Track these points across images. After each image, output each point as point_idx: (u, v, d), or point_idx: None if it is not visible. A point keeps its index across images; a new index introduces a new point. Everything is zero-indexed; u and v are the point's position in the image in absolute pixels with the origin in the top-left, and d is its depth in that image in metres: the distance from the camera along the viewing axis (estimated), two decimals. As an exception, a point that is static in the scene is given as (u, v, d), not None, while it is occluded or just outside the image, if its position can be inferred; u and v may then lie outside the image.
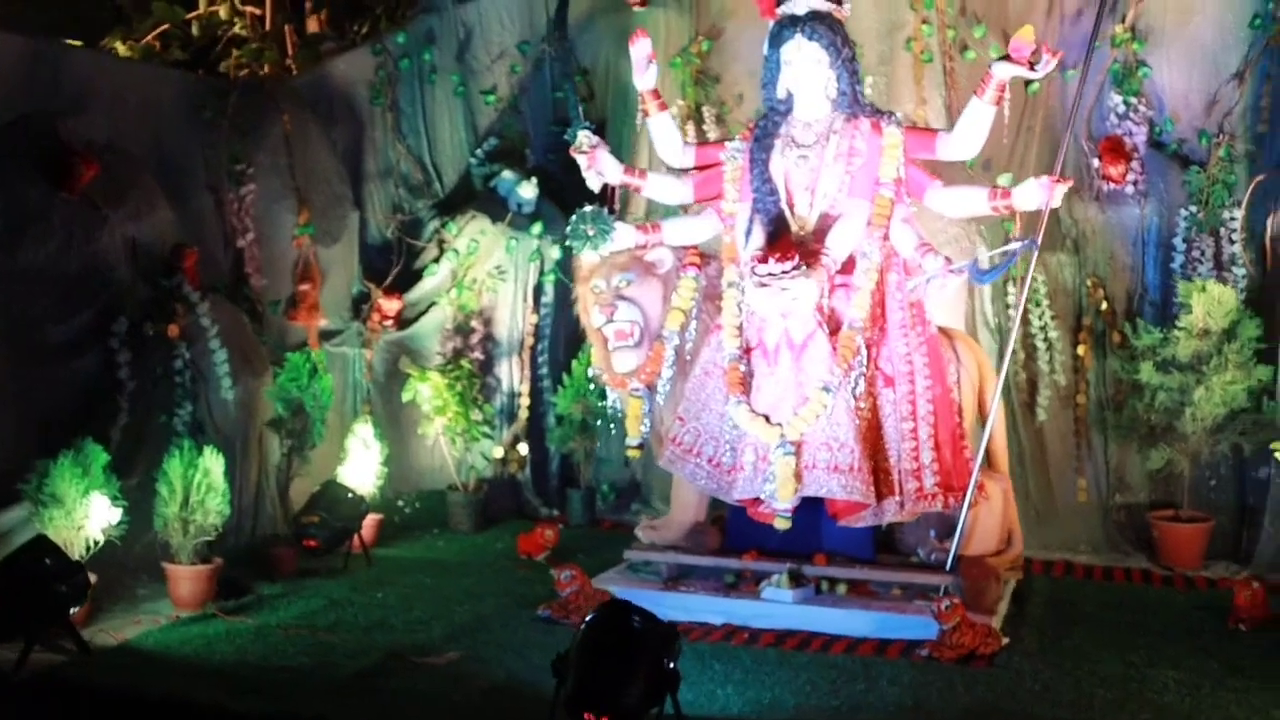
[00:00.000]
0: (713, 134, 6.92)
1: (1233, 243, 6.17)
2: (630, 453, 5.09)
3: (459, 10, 7.28)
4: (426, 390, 6.13)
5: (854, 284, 4.68)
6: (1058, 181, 4.48)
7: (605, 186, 5.01)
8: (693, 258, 5.07)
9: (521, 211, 6.72)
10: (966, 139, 4.66)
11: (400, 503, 6.31)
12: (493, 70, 7.34)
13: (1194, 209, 6.25)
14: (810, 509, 4.67)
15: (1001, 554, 4.71)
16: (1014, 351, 5.85)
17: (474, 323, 6.55)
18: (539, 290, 6.73)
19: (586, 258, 5.08)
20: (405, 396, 6.24)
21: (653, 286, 4.99)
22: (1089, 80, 6.70)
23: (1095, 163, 6.37)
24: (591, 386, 6.43)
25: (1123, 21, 6.67)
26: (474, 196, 7.00)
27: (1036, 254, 4.55)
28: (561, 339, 6.83)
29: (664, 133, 5.05)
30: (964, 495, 4.59)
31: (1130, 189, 6.31)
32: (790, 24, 4.73)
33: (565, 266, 6.66)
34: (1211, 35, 6.36)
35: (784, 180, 4.81)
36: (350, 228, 6.69)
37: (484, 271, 6.60)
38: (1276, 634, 4.49)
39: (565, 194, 7.02)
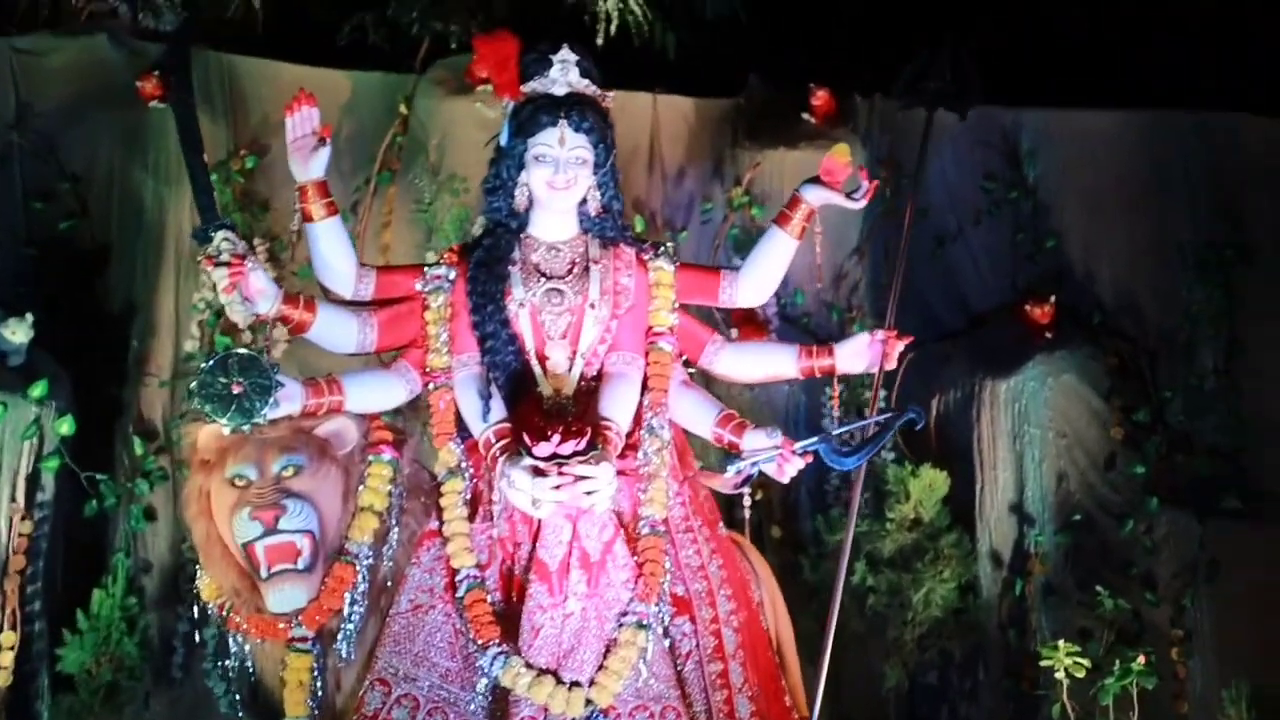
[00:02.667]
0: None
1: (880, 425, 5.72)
2: (294, 740, 3.19)
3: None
4: None
5: (642, 470, 3.32)
6: (895, 337, 3.52)
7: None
8: (382, 433, 3.40)
9: (9, 364, 4.45)
10: (762, 279, 3.56)
11: None
12: (-66, 162, 5.06)
13: (840, 387, 5.76)
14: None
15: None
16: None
17: (-72, 534, 4.11)
18: (34, 483, 4.44)
19: (208, 432, 3.21)
20: None
21: (331, 476, 3.23)
22: (703, 244, 6.15)
23: (734, 333, 5.69)
24: (127, 629, 4.29)
25: (738, 184, 6.22)
26: (-92, 340, 4.57)
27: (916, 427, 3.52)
28: (61, 556, 4.56)
29: (334, 247, 3.39)
30: (792, 760, 3.33)
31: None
32: (549, 107, 3.37)
33: (75, 446, 4.49)
34: (828, 206, 6.07)
35: (530, 324, 3.37)
36: None
37: (-55, 453, 4.22)
38: None
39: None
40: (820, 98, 6.19)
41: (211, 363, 3.10)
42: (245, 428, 3.10)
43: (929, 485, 4.91)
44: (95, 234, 5.32)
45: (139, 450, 4.92)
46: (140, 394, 5.14)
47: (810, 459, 3.33)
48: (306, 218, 3.37)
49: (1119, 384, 5.11)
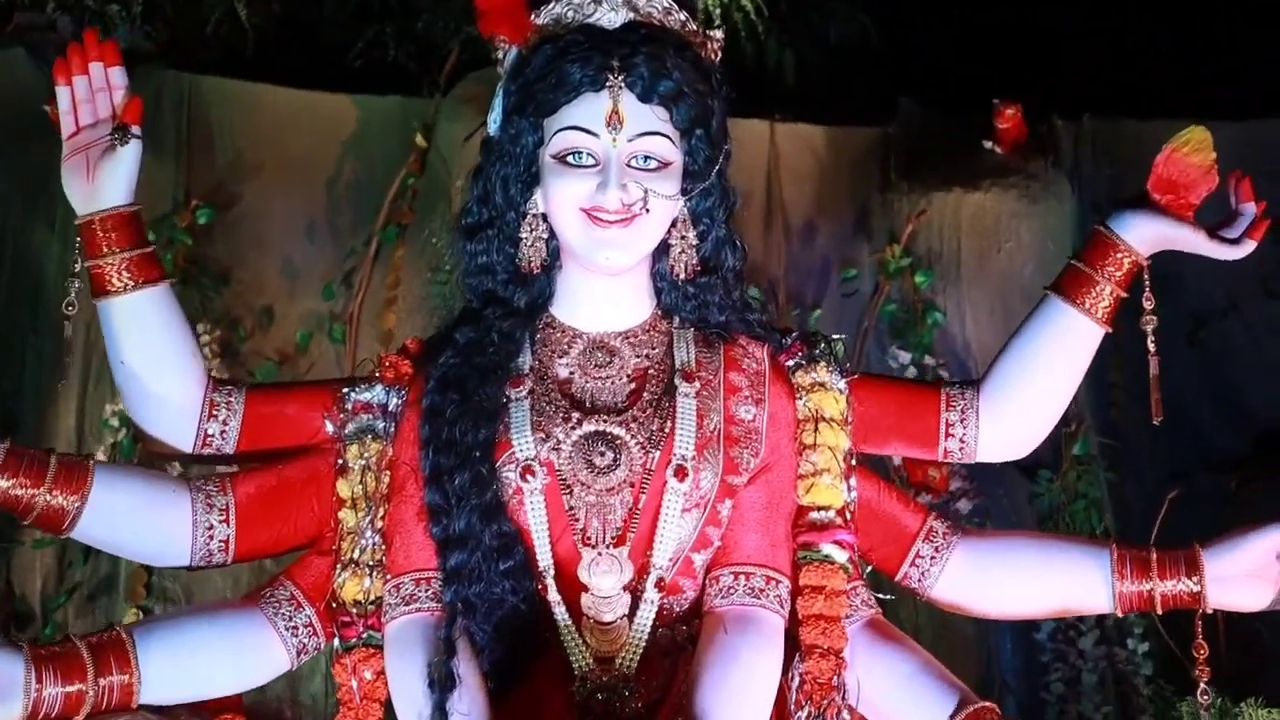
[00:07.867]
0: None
1: (1128, 609, 3.89)
2: None
3: None
4: None
5: None
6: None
7: None
8: (233, 744, 1.62)
9: None
10: (1030, 404, 1.74)
11: None
12: None
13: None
14: None
15: None
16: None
17: None
18: None
19: None
20: None
21: None
22: (846, 327, 4.53)
23: (897, 462, 4.00)
24: None
25: (894, 241, 4.52)
26: None
27: None
28: None
29: (153, 344, 1.66)
30: None
31: (963, 504, 4.03)
32: (586, 51, 1.59)
33: None
34: (1030, 270, 4.39)
35: (545, 513, 1.58)
36: None
37: None
38: None
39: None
40: (1009, 118, 4.61)
41: None
42: None
43: (1260, 727, 2.98)
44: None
45: None
46: (11, 555, 3.62)
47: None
48: (99, 288, 1.66)
49: None
